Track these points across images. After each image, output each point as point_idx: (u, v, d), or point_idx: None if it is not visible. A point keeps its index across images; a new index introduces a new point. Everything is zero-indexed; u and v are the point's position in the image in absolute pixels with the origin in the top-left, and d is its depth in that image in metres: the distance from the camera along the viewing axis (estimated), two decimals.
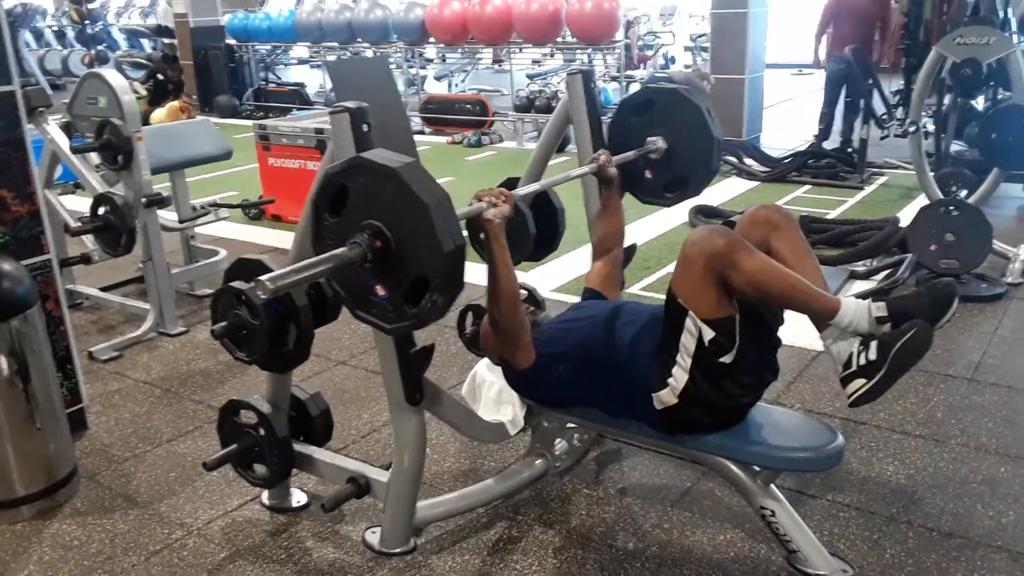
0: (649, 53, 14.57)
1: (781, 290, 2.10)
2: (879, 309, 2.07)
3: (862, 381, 2.08)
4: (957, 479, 2.80)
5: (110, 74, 4.02)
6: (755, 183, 7.19)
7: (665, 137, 2.92)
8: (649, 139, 2.92)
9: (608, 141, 3.01)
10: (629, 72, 11.54)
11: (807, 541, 2.26)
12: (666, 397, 2.19)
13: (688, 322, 2.10)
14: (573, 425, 2.77)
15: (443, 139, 9.88)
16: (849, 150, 7.40)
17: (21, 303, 2.67)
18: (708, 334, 2.08)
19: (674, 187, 3.00)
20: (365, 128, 2.22)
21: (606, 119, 3.19)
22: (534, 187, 2.69)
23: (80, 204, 5.38)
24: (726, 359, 2.10)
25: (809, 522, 2.40)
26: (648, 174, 2.99)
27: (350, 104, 2.22)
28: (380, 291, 1.98)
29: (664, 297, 2.22)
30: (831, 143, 7.83)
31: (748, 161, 7.59)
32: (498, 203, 2.22)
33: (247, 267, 2.42)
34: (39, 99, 4.10)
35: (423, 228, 1.85)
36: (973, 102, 6.31)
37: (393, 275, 1.94)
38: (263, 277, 1.77)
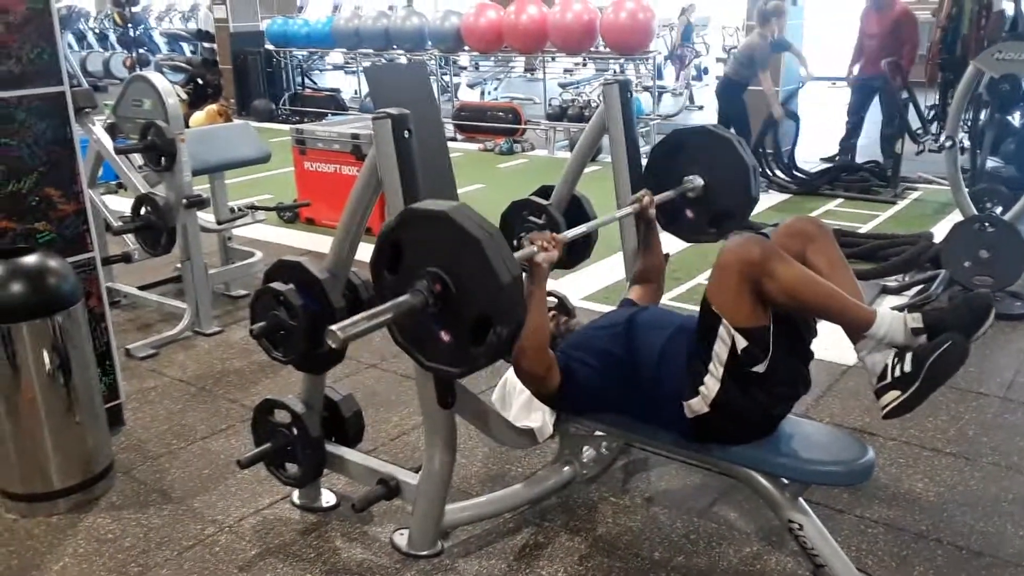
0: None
1: (816, 300, 2.10)
2: (914, 320, 2.07)
3: (896, 393, 2.07)
4: (988, 498, 2.78)
5: (156, 77, 4.11)
6: (786, 195, 7.16)
7: (701, 174, 2.93)
8: (686, 179, 2.94)
9: (645, 186, 3.03)
10: (677, 82, 11.54)
11: (835, 556, 2.25)
12: (697, 406, 2.19)
13: (721, 330, 2.10)
14: (601, 433, 2.78)
15: (475, 146, 9.94)
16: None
17: (66, 299, 2.74)
18: (741, 343, 2.08)
19: (718, 221, 3.02)
20: (406, 134, 2.26)
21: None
22: (581, 230, 2.72)
23: (118, 204, 5.48)
24: (759, 369, 2.10)
25: (837, 537, 2.38)
26: (689, 213, 3.01)
27: (392, 111, 2.26)
28: (444, 337, 2.00)
29: (693, 307, 2.24)
30: (866, 158, 7.76)
31: (776, 172, 7.55)
32: (549, 248, 2.27)
33: (286, 268, 2.46)
34: (85, 100, 4.19)
35: (479, 263, 1.87)
36: (1010, 118, 6.26)
37: (456, 317, 1.97)
38: (334, 328, 1.81)
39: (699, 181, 2.94)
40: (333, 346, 1.83)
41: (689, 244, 5.35)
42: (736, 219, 3.00)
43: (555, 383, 2.37)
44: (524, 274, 2.24)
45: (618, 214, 2.86)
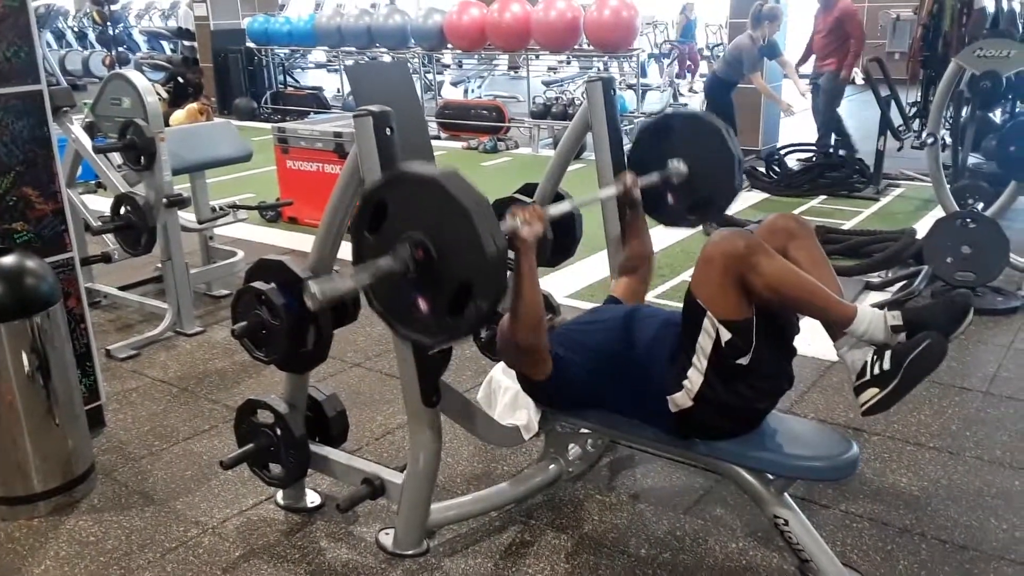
0: (665, 61, 14.64)
1: (798, 295, 2.11)
2: (894, 318, 2.08)
3: (875, 391, 2.08)
4: (971, 491, 2.80)
5: (134, 75, 4.07)
6: (769, 193, 7.18)
7: (686, 160, 2.93)
8: (670, 163, 2.94)
9: (629, 168, 3.02)
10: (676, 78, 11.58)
11: (820, 551, 2.26)
12: (681, 400, 2.20)
13: (706, 323, 2.11)
14: (587, 430, 2.78)
15: (459, 144, 9.93)
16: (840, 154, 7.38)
17: (44, 300, 2.70)
18: (725, 335, 2.09)
19: (697, 208, 3.01)
20: (388, 132, 2.24)
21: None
22: (564, 206, 2.69)
23: (98, 203, 5.43)
24: (742, 361, 2.11)
25: (822, 532, 2.39)
26: (671, 198, 3.00)
27: (374, 108, 2.24)
28: (423, 305, 1.97)
29: (678, 304, 2.24)
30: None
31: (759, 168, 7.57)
32: (532, 221, 2.22)
33: (268, 268, 2.44)
34: (63, 99, 4.14)
35: (465, 233, 1.84)
36: (991, 115, 6.30)
37: (435, 286, 1.94)
38: (312, 285, 1.78)
39: (683, 167, 2.93)
40: (311, 306, 1.80)
41: (675, 241, 5.37)
42: (717, 207, 3.00)
43: (549, 365, 2.35)
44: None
45: (601, 194, 2.83)
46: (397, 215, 1.98)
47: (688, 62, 15.48)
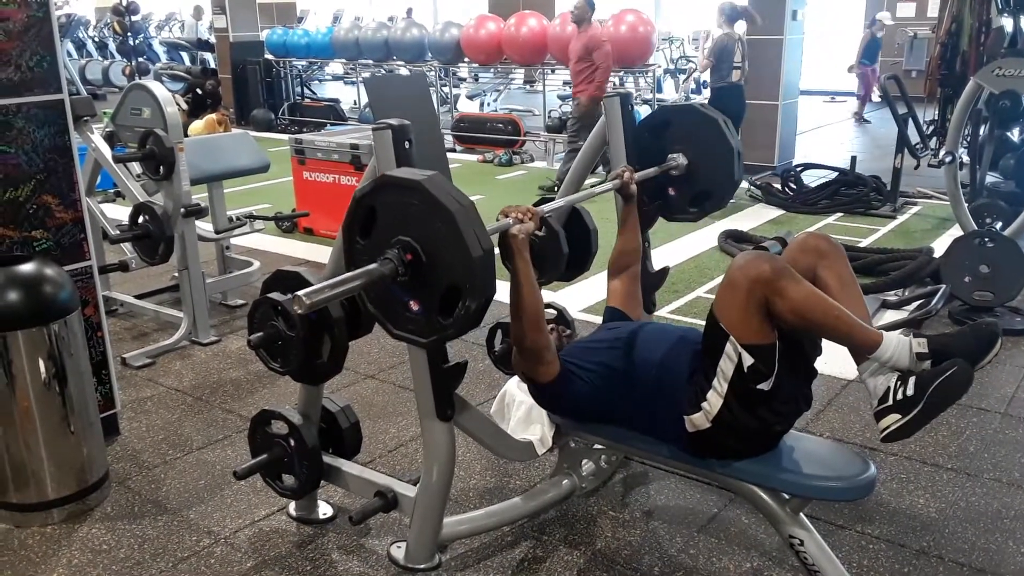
0: (681, 77, 14.64)
1: (824, 320, 2.08)
2: (920, 345, 2.05)
3: (897, 417, 2.05)
4: (989, 514, 2.77)
5: (155, 86, 4.11)
6: (785, 209, 7.16)
7: (685, 153, 2.93)
8: (670, 156, 2.95)
9: (628, 161, 3.03)
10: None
11: (836, 572, 2.23)
12: (699, 421, 2.18)
13: (728, 347, 2.09)
14: (600, 446, 2.76)
15: (474, 157, 9.95)
16: None
17: (63, 308, 2.72)
18: (747, 360, 2.06)
19: (698, 201, 3.01)
20: (407, 145, 2.25)
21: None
22: (560, 203, 2.70)
23: (115, 213, 5.47)
24: (764, 386, 2.08)
25: (838, 553, 2.37)
26: (672, 191, 3.02)
27: (393, 121, 2.25)
28: (414, 306, 2.00)
29: (692, 320, 2.22)
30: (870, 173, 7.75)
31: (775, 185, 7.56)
32: (524, 219, 2.24)
33: (285, 279, 2.45)
34: (84, 108, 4.19)
35: (451, 235, 1.87)
36: (1009, 134, 6.27)
37: (426, 287, 1.97)
38: (300, 292, 1.79)
39: (683, 160, 2.93)
40: (299, 311, 1.82)
41: (688, 258, 5.34)
42: (716, 201, 3.00)
43: (554, 368, 2.34)
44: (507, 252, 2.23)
45: (598, 189, 2.83)
46: (386, 220, 2.01)
47: (862, 89, 13.14)
